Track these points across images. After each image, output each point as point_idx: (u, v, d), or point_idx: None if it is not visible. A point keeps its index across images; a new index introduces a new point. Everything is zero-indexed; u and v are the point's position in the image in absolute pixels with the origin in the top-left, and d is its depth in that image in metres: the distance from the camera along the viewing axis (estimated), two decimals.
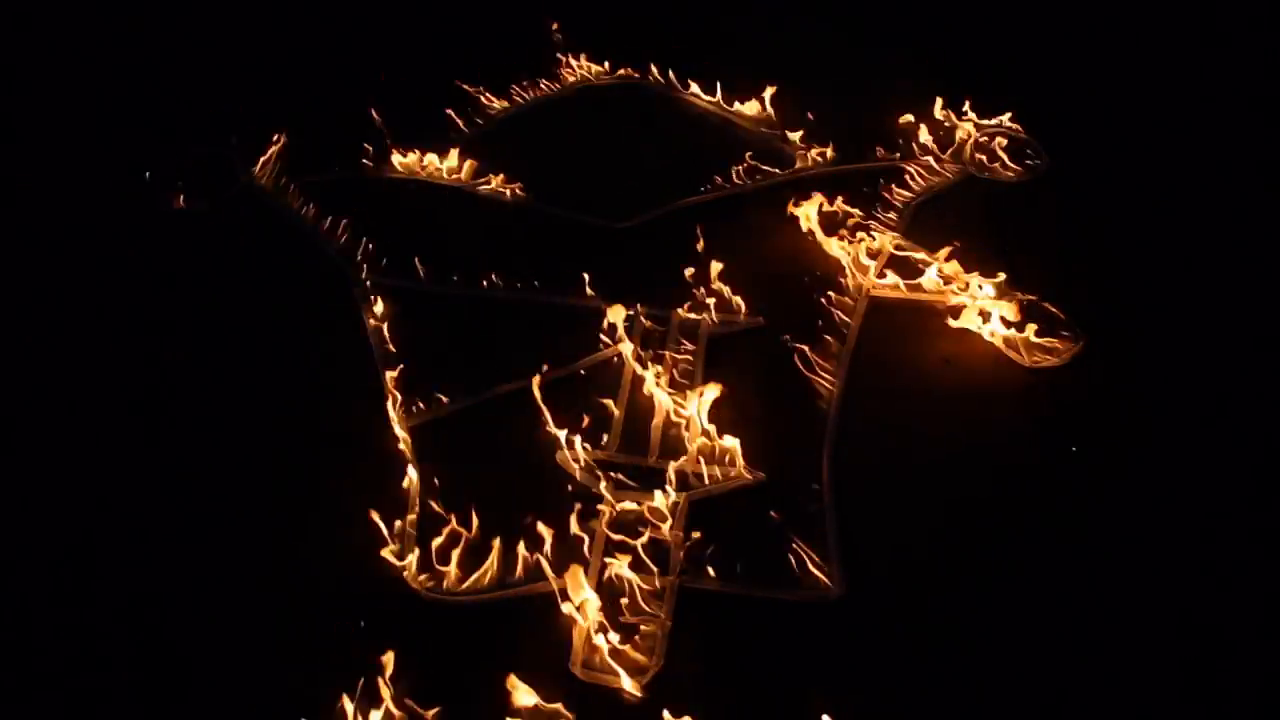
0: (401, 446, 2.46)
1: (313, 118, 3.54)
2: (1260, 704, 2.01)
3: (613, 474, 2.41)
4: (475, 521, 2.30)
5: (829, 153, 3.32)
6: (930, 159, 3.31)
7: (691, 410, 2.47)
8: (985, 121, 3.41)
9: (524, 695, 1.98)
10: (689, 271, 2.90)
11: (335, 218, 3.11)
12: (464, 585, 2.20)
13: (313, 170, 3.30)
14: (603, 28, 3.90)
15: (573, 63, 3.74)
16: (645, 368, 2.61)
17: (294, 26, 4.03)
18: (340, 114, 3.53)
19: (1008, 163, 3.29)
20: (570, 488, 2.39)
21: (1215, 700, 2.01)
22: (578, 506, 2.32)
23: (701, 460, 2.42)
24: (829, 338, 2.74)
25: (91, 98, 3.65)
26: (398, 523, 2.30)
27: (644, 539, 2.27)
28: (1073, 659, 2.07)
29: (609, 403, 2.57)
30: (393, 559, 2.23)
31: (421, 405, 2.57)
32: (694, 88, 3.62)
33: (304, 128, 3.47)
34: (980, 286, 2.79)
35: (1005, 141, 3.33)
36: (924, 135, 3.37)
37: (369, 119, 3.44)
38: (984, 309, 2.74)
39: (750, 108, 3.51)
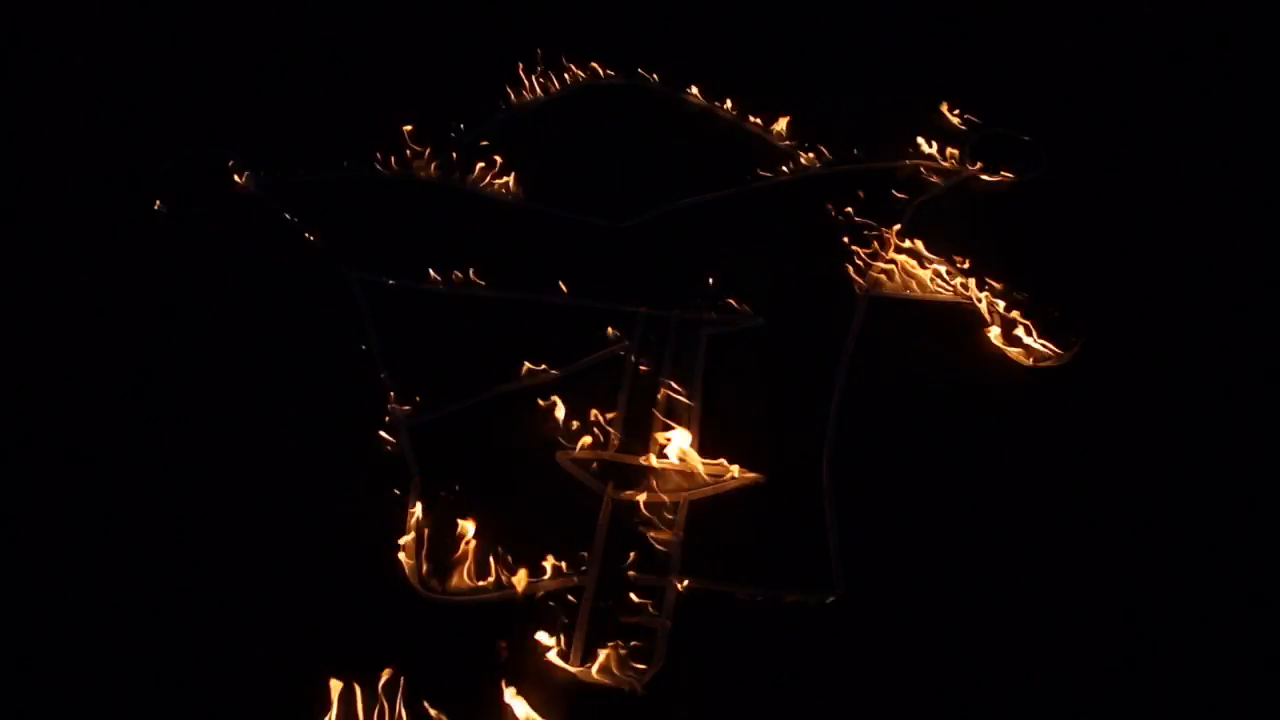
0: (402, 446, 2.47)
1: (312, 117, 3.55)
2: (1263, 706, 2.01)
3: (613, 474, 2.41)
4: (476, 521, 2.30)
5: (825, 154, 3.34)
6: (930, 159, 3.32)
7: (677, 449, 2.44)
8: (983, 123, 3.43)
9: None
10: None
11: (334, 217, 3.12)
12: (464, 585, 2.20)
13: (311, 169, 3.31)
14: (602, 34, 3.90)
15: (579, 72, 3.73)
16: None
17: (292, 24, 4.03)
18: (339, 113, 3.54)
19: (1007, 163, 3.29)
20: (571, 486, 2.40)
21: (1215, 702, 2.02)
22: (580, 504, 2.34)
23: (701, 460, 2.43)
24: (828, 338, 2.75)
25: (89, 97, 3.65)
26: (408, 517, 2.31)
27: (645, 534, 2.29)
28: (1073, 658, 2.07)
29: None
30: (403, 559, 2.22)
31: (421, 405, 2.57)
32: (695, 91, 3.62)
33: (303, 127, 3.48)
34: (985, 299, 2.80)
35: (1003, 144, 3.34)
36: (923, 136, 3.37)
37: (366, 119, 3.45)
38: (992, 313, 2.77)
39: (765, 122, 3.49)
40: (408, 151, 3.35)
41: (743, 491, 2.39)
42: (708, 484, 2.39)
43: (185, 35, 3.94)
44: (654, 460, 2.43)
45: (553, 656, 2.06)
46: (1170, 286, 2.88)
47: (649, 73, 3.70)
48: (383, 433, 2.49)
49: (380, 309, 2.83)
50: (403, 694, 1.99)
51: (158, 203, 3.16)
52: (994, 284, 2.83)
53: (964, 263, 2.89)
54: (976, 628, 2.13)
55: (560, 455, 2.45)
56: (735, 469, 2.40)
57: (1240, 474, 2.40)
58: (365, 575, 2.22)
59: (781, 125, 3.42)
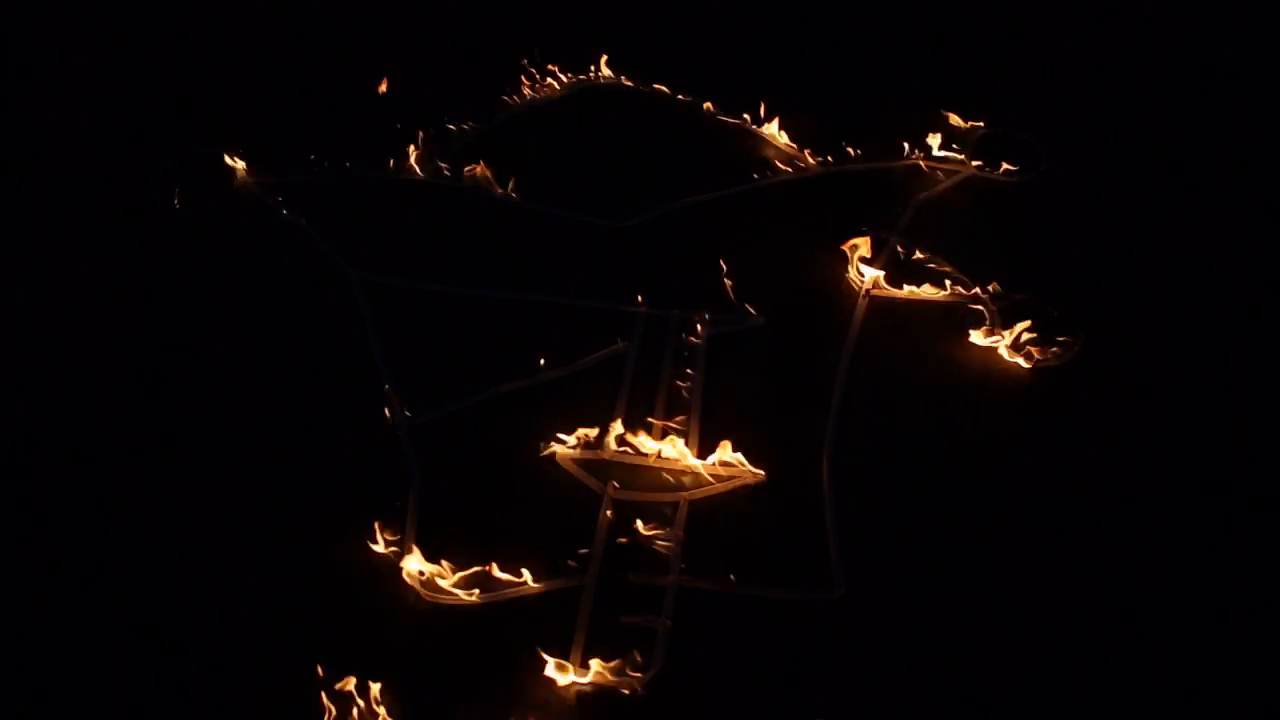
0: (402, 447, 2.47)
1: (312, 117, 3.55)
2: (1263, 706, 2.01)
3: (613, 474, 2.41)
4: (475, 522, 2.30)
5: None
6: (930, 159, 3.32)
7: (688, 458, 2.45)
8: (984, 123, 3.43)
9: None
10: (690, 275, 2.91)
11: (335, 217, 3.11)
12: (463, 586, 2.20)
13: (312, 169, 3.31)
14: (602, 36, 3.90)
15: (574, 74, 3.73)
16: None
17: (293, 22, 4.03)
18: (339, 113, 3.54)
19: (1007, 163, 3.29)
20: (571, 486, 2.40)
21: (1216, 702, 2.02)
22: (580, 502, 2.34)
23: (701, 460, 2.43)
24: (829, 337, 2.75)
25: (89, 96, 3.65)
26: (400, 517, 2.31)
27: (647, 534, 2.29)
28: (1073, 658, 2.07)
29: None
30: (408, 568, 2.22)
31: (421, 405, 2.56)
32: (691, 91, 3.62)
33: (303, 127, 3.48)
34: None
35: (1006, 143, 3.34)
36: (923, 136, 3.37)
37: (366, 119, 3.45)
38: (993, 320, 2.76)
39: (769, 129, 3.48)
40: (408, 151, 3.35)
41: (743, 491, 2.39)
42: (708, 484, 2.39)
43: (185, 35, 3.94)
44: (654, 458, 2.44)
45: (552, 658, 2.06)
46: (1170, 286, 2.88)
47: (650, 75, 3.70)
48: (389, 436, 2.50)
49: (380, 309, 2.83)
50: (401, 696, 1.99)
51: (157, 200, 3.16)
52: (993, 284, 2.83)
53: (958, 275, 2.89)
54: (977, 628, 2.13)
55: (560, 455, 2.45)
56: (739, 457, 2.40)
57: (1240, 474, 2.40)
58: (365, 576, 2.22)
59: (781, 126, 3.42)
